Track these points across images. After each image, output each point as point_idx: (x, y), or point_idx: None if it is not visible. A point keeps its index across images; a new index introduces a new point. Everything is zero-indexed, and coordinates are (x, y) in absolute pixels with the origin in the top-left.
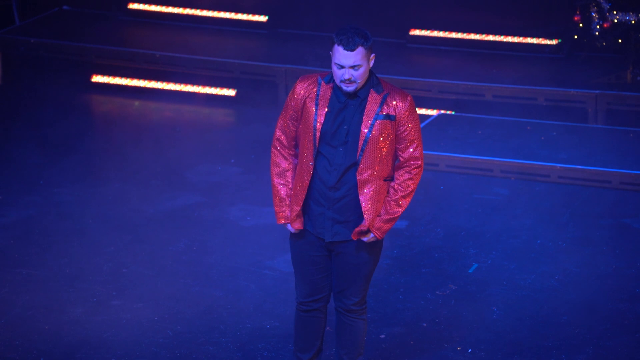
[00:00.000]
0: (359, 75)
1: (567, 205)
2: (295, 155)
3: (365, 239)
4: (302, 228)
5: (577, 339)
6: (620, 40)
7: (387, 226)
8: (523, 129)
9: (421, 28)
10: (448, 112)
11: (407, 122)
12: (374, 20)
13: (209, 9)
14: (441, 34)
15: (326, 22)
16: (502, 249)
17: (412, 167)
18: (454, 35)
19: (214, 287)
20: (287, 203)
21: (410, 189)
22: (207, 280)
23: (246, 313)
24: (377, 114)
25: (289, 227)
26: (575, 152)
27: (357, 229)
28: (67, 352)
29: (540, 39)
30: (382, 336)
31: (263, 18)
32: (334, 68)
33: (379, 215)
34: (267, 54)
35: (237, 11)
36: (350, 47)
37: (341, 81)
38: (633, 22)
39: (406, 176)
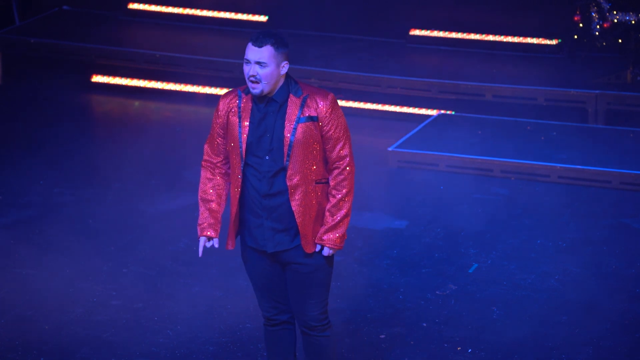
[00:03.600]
0: (265, 75)
1: (567, 205)
2: (226, 174)
3: (324, 253)
4: (233, 248)
5: (577, 339)
6: (620, 40)
7: (336, 234)
8: (523, 129)
9: (421, 28)
10: (448, 112)
11: (329, 120)
12: (374, 20)
13: (209, 9)
14: (441, 34)
15: (326, 22)
16: (502, 249)
17: (342, 166)
18: (454, 35)
19: (214, 287)
20: (207, 220)
21: (346, 190)
22: (207, 280)
23: (246, 313)
24: (299, 117)
25: (202, 241)
26: (575, 152)
27: (311, 250)
28: (67, 352)
29: (540, 39)
30: (382, 336)
31: (263, 18)
32: (244, 66)
33: (324, 226)
34: None
35: (237, 11)
36: (257, 44)
37: (248, 79)
38: (633, 22)
39: (339, 178)
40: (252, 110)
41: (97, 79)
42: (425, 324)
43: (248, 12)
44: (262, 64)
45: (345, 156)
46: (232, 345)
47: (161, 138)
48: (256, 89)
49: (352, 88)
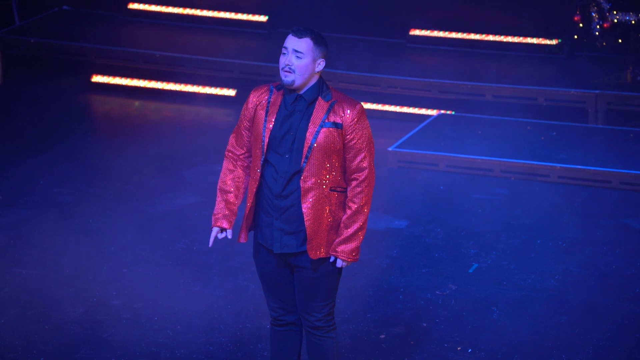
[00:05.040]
0: (299, 66)
1: (567, 205)
2: (248, 167)
3: (337, 265)
4: (245, 241)
5: (577, 339)
6: (620, 40)
7: (350, 246)
8: (523, 129)
9: (421, 28)
10: (448, 112)
11: (354, 130)
12: (374, 20)
13: (209, 9)
14: (441, 34)
15: (326, 22)
16: (502, 249)
17: (361, 178)
18: (454, 35)
19: (214, 287)
20: (223, 211)
21: (362, 202)
22: (207, 280)
23: (246, 313)
24: (323, 122)
25: (214, 231)
26: (575, 152)
27: (315, 255)
28: (67, 352)
29: (540, 39)
30: (382, 336)
31: (263, 18)
32: (280, 57)
33: (338, 237)
34: (267, 54)
35: (237, 11)
36: (298, 35)
37: (282, 69)
38: (633, 22)
39: (357, 190)
40: (280, 106)
41: (97, 79)
42: (425, 324)
43: (248, 12)
44: (299, 55)
45: (365, 168)
46: (232, 345)
47: (161, 138)
48: (288, 78)
49: (352, 88)
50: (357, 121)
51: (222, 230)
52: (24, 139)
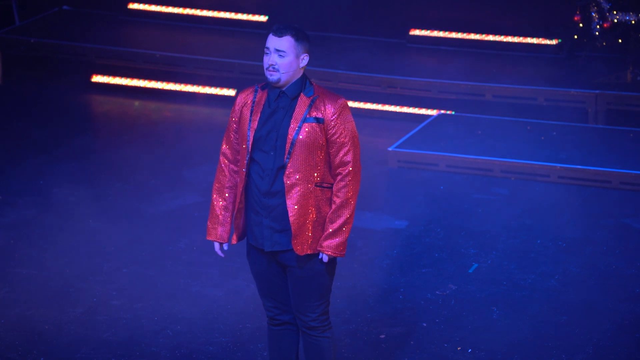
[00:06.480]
0: (283, 64)
1: (567, 205)
2: (238, 171)
3: (324, 260)
4: (235, 243)
5: (577, 339)
6: (620, 40)
7: (335, 241)
8: (523, 129)
9: (421, 28)
10: (448, 112)
11: (336, 125)
12: (374, 20)
13: (209, 9)
14: (441, 34)
15: (326, 22)
16: (502, 249)
17: (344, 173)
18: (454, 35)
19: (214, 287)
20: (219, 220)
21: (346, 197)
22: (207, 280)
23: (246, 313)
24: (305, 117)
25: (216, 246)
26: (575, 152)
27: (301, 252)
28: (67, 352)
29: (540, 39)
30: (382, 336)
31: (263, 18)
32: (264, 57)
33: (324, 232)
34: None
35: (237, 11)
36: (278, 34)
37: (266, 69)
38: (633, 22)
39: (341, 184)
40: (263, 105)
41: (97, 79)
42: (425, 324)
43: (248, 12)
44: (281, 53)
45: (348, 162)
46: (232, 345)
47: (161, 138)
48: (273, 76)
49: (352, 88)
50: (338, 116)
51: (221, 244)
52: (24, 139)
